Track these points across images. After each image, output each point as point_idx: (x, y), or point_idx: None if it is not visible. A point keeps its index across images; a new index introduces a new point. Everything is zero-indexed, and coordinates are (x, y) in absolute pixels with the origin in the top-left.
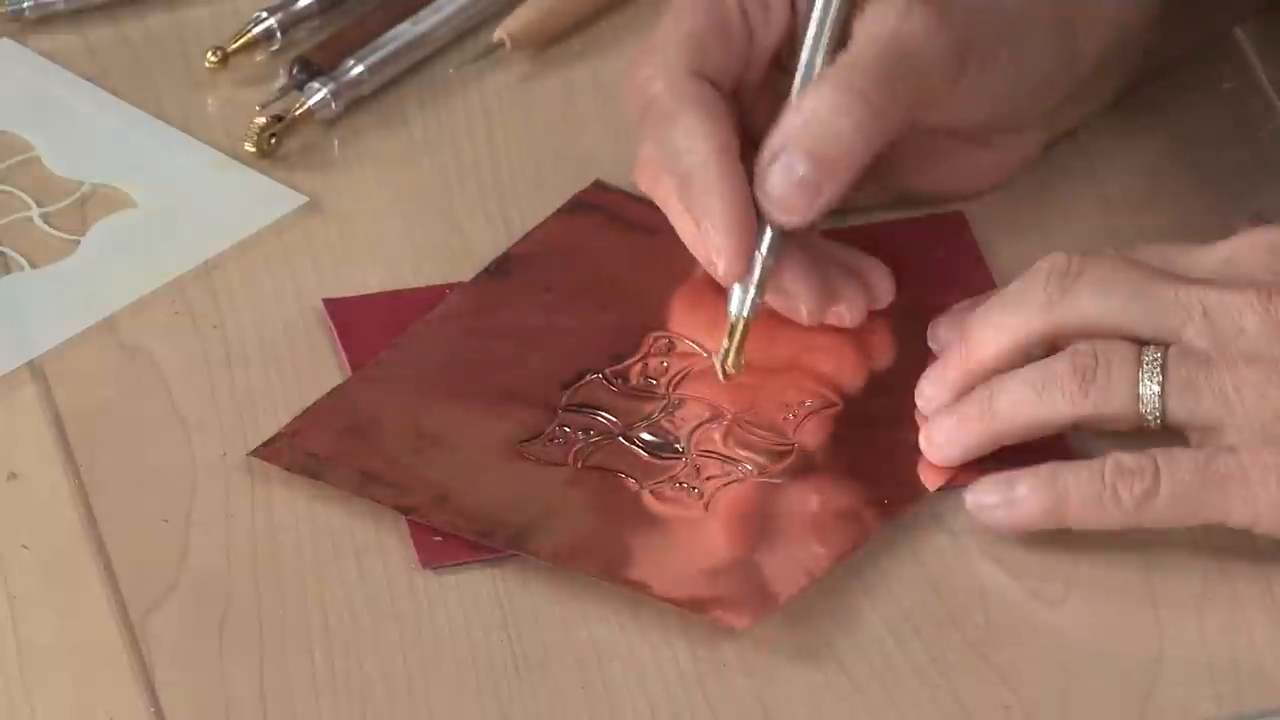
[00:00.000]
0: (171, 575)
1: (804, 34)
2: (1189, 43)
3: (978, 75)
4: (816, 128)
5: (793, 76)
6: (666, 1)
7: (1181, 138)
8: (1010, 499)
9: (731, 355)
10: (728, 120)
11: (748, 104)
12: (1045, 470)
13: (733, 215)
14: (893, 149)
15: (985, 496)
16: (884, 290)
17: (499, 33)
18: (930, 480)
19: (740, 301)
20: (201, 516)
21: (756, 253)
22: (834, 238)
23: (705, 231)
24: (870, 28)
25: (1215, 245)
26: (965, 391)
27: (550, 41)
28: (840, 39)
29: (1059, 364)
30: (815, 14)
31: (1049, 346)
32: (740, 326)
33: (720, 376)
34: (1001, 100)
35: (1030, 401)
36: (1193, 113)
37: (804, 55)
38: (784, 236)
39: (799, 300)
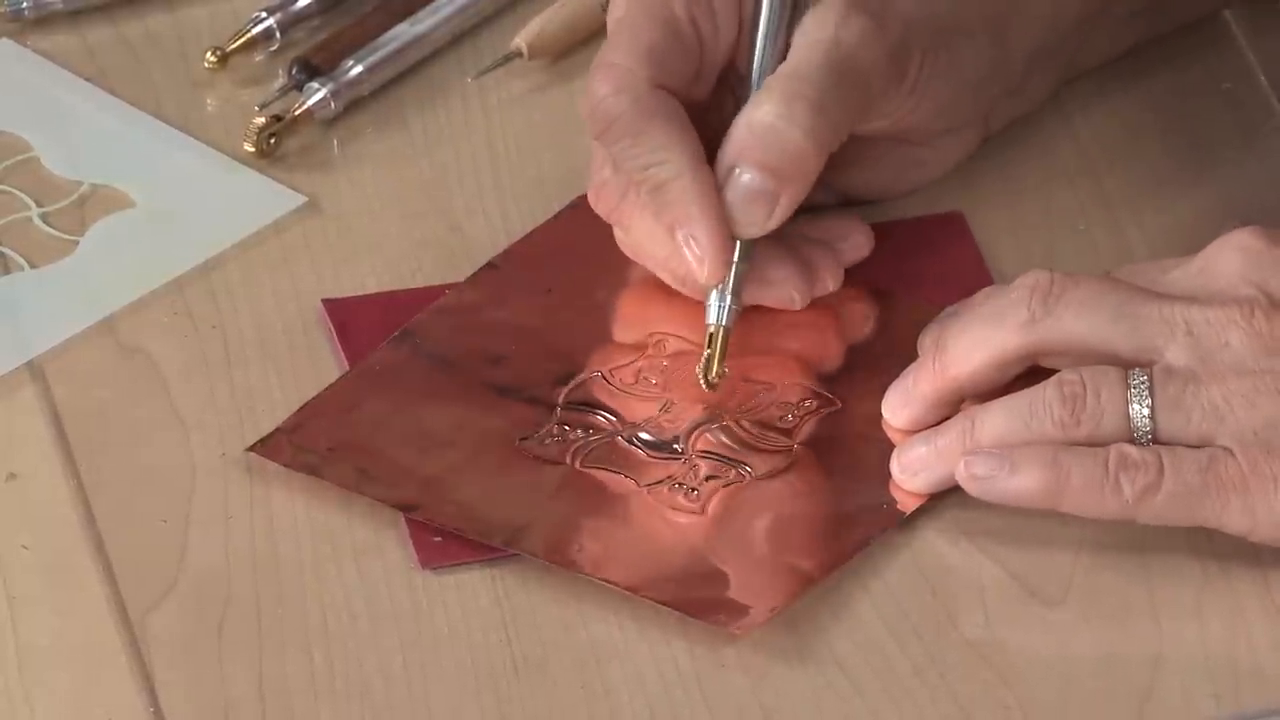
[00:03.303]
0: (170, 575)
1: (752, 46)
2: (1180, 17)
3: (916, 79)
4: (766, 139)
5: (738, 92)
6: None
7: (1181, 138)
8: (1008, 471)
9: (715, 364)
10: (694, 130)
11: (696, 118)
12: (1046, 449)
13: (712, 220)
14: (836, 152)
15: (979, 468)
16: (855, 244)
17: (517, 42)
18: (906, 504)
19: (719, 310)
20: (200, 516)
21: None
22: None
23: (685, 240)
24: (810, 35)
25: (1192, 259)
26: (938, 407)
27: (566, 52)
28: (783, 51)
29: (1047, 393)
30: (761, 25)
31: (1026, 364)
32: (721, 335)
33: (704, 386)
34: (939, 102)
35: (1018, 433)
36: (1192, 113)
37: (755, 67)
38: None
39: (788, 287)
